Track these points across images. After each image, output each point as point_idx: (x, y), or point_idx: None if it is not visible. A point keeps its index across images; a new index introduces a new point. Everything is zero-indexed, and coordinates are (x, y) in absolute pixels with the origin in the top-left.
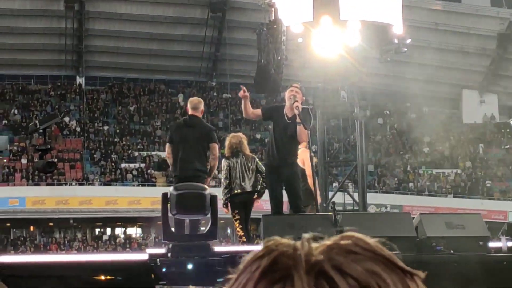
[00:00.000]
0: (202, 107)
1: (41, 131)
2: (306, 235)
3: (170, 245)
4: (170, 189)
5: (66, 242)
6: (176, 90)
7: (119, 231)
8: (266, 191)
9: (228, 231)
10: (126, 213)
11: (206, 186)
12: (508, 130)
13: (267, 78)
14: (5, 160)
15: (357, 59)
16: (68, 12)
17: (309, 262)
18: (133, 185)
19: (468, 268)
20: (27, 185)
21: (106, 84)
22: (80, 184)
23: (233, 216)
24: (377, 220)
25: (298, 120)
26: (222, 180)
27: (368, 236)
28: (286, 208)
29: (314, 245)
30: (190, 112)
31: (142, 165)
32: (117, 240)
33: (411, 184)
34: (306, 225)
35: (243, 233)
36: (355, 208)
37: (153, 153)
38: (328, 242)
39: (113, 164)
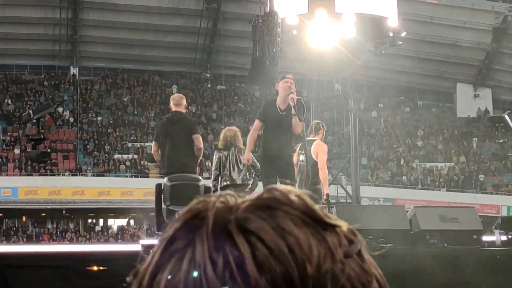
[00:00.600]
0: (184, 102)
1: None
2: (225, 192)
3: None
4: (164, 180)
5: (58, 232)
6: (170, 81)
7: (111, 222)
8: (260, 185)
9: None
10: (119, 204)
11: (199, 177)
12: (502, 124)
13: (262, 70)
14: None
15: (352, 52)
16: (63, 1)
17: (217, 222)
18: (126, 176)
19: (462, 262)
20: (20, 175)
21: (100, 75)
22: (73, 175)
23: None
24: (371, 213)
25: (293, 112)
26: (212, 171)
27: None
28: None
29: (231, 202)
30: (173, 108)
31: (135, 156)
32: (110, 231)
33: (404, 178)
34: None
35: None
36: (348, 201)
37: (146, 144)
38: (247, 199)
39: (106, 155)
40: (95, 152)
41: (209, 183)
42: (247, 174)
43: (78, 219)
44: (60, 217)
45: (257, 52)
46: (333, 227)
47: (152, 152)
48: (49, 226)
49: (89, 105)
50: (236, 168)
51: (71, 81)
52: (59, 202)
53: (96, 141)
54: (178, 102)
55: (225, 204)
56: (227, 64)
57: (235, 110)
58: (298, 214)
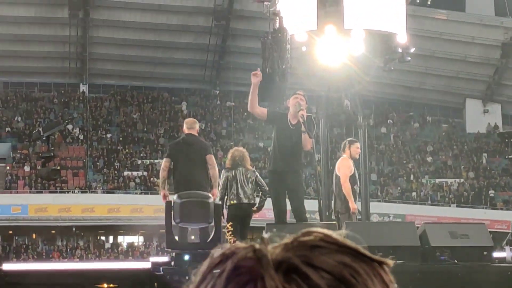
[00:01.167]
0: (197, 127)
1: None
2: (264, 235)
3: (174, 254)
4: (174, 197)
5: (68, 250)
6: (179, 98)
7: (121, 239)
8: (267, 202)
9: None
10: (129, 221)
11: (209, 195)
12: (511, 139)
13: (271, 86)
14: (8, 168)
15: (361, 68)
16: (73, 19)
17: (275, 260)
18: (136, 193)
19: (472, 278)
20: (30, 192)
21: (109, 92)
22: (82, 192)
23: (226, 228)
24: (381, 229)
25: (303, 128)
26: (218, 190)
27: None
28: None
29: (272, 244)
30: (186, 131)
31: (145, 173)
32: (119, 248)
33: (414, 193)
34: None
35: None
36: (358, 217)
37: (156, 161)
38: (287, 240)
39: (116, 172)
40: (104, 169)
41: (218, 200)
42: (254, 193)
43: (88, 236)
44: (70, 235)
45: (267, 69)
46: (382, 265)
47: (162, 167)
48: (59, 243)
49: (99, 122)
50: (244, 188)
51: (81, 98)
52: (69, 219)
53: (106, 158)
54: (191, 126)
55: (275, 246)
56: (236, 80)
57: (244, 126)
58: (350, 252)
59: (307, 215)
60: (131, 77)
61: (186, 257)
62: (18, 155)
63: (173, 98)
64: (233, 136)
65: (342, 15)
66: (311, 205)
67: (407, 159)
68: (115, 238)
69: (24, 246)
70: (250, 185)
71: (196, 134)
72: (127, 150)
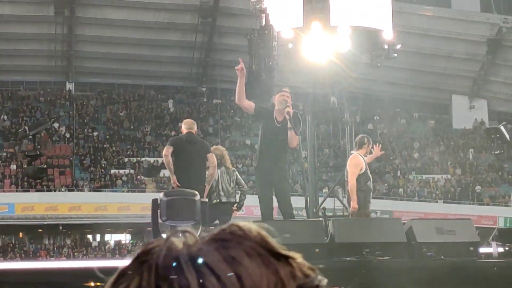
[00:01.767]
0: (195, 127)
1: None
2: (177, 229)
3: None
4: (160, 195)
5: (55, 248)
6: (166, 96)
7: (108, 237)
8: (254, 199)
9: None
10: (116, 219)
11: (196, 192)
12: (497, 135)
13: (258, 83)
14: None
15: (347, 65)
16: (58, 17)
17: (169, 255)
18: (123, 191)
19: (459, 274)
20: (16, 191)
21: (95, 90)
22: (69, 190)
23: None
24: (368, 225)
25: (289, 125)
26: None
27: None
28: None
29: (189, 239)
30: (186, 131)
31: (132, 171)
32: (107, 247)
33: (401, 190)
34: (296, 231)
35: None
36: (345, 213)
37: (142, 159)
38: (207, 234)
39: (102, 170)
40: (91, 168)
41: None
42: (234, 192)
43: (75, 234)
44: (57, 233)
45: (253, 66)
46: (286, 259)
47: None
48: (46, 242)
49: (85, 121)
50: (224, 187)
51: (67, 96)
52: (55, 218)
53: (93, 157)
54: (190, 126)
55: (183, 242)
56: (223, 78)
57: (231, 124)
58: (251, 245)
59: (294, 212)
60: (117, 75)
61: None
62: (4, 154)
63: (159, 96)
64: (220, 133)
65: (328, 11)
66: (298, 202)
67: (394, 155)
68: (102, 237)
69: (11, 245)
70: (231, 184)
71: (195, 134)
72: (113, 148)
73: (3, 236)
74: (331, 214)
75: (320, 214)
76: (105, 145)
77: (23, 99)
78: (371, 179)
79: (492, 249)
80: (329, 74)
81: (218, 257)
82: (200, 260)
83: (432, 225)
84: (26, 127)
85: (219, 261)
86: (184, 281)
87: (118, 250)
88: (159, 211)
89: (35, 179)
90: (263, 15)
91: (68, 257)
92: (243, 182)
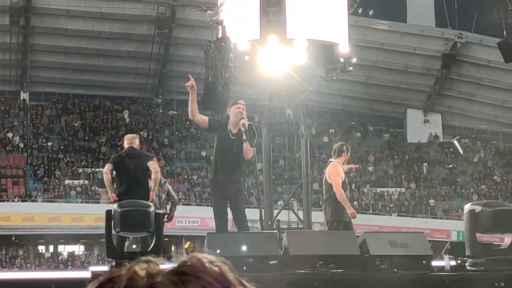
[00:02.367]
0: (137, 142)
1: None
2: (140, 259)
3: (114, 263)
4: (114, 206)
5: (7, 259)
6: (121, 106)
7: (62, 248)
8: (209, 211)
9: (173, 248)
10: (69, 230)
11: (150, 204)
12: (451, 149)
13: (214, 95)
14: None
15: (303, 78)
16: (13, 27)
17: (129, 286)
18: (77, 202)
19: (412, 287)
20: None
21: (50, 100)
22: (23, 201)
23: None
24: (322, 238)
25: (244, 137)
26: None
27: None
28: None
29: (147, 269)
30: (127, 146)
31: (86, 181)
32: (60, 258)
33: (355, 203)
34: (251, 243)
35: None
36: (299, 226)
37: (97, 169)
38: (164, 266)
39: (56, 181)
40: (45, 178)
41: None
42: (165, 203)
43: (27, 245)
44: (9, 244)
45: (209, 78)
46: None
47: (104, 171)
48: None
49: (40, 131)
50: (157, 198)
51: (21, 106)
52: (8, 228)
53: (47, 167)
54: (131, 141)
55: (146, 270)
56: (179, 89)
57: (186, 135)
58: (209, 281)
59: (249, 224)
60: (72, 85)
61: None
62: None
63: (115, 106)
64: (175, 144)
65: (284, 24)
66: (253, 214)
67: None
68: (55, 247)
69: None
70: (163, 195)
71: (137, 148)
72: (68, 159)
73: None
74: (285, 226)
75: (275, 226)
76: (59, 156)
77: None
78: (348, 188)
79: (445, 262)
80: (285, 86)
81: None
82: None
83: (386, 238)
84: None
85: None
86: None
87: (72, 261)
88: (113, 222)
89: None
90: (220, 27)
91: (20, 268)
92: (173, 193)
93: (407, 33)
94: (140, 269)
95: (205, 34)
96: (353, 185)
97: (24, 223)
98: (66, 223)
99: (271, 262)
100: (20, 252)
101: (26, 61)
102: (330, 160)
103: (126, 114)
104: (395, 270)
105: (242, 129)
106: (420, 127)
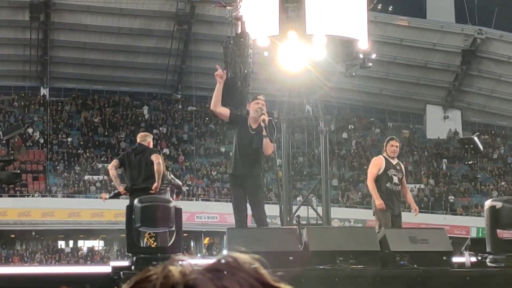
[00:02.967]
0: (148, 139)
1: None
2: (174, 259)
3: (134, 258)
4: (134, 202)
5: (28, 254)
6: (141, 102)
7: (81, 243)
8: (228, 207)
9: (192, 243)
10: (89, 225)
11: (170, 199)
12: (471, 146)
13: (233, 91)
14: None
15: (322, 73)
16: (33, 22)
17: (166, 283)
18: (96, 197)
19: (432, 283)
20: None
21: (70, 96)
22: (42, 196)
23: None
24: (341, 234)
25: (264, 133)
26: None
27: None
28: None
29: (182, 267)
30: (137, 143)
31: (106, 177)
32: (80, 253)
33: None
34: (271, 239)
35: None
36: (319, 222)
37: (108, 169)
38: (203, 263)
39: (76, 176)
40: (65, 173)
41: (179, 204)
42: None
43: (47, 240)
44: (30, 239)
45: (229, 73)
46: None
47: (109, 167)
48: (18, 247)
49: (59, 126)
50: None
51: (41, 102)
52: (28, 223)
53: (66, 162)
54: (142, 139)
55: (181, 268)
56: (198, 85)
57: (206, 131)
58: (244, 277)
59: (268, 220)
60: (92, 80)
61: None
62: None
63: (134, 102)
64: (194, 140)
65: (304, 20)
66: (272, 210)
67: (368, 164)
68: (75, 243)
69: None
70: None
71: (148, 146)
72: (87, 154)
73: None
74: (304, 222)
75: (295, 222)
76: (79, 151)
77: None
78: (394, 180)
79: (465, 258)
80: (304, 82)
81: (211, 287)
82: None
83: (406, 234)
84: (0, 132)
85: None
86: None
87: (91, 256)
88: (133, 217)
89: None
90: (239, 23)
91: (40, 263)
92: (177, 181)
93: (426, 29)
94: (175, 267)
95: (225, 30)
96: None
97: (44, 218)
98: (86, 219)
99: (290, 258)
100: (40, 247)
101: (46, 56)
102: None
103: (145, 110)
104: (415, 266)
105: (262, 124)
106: (440, 123)
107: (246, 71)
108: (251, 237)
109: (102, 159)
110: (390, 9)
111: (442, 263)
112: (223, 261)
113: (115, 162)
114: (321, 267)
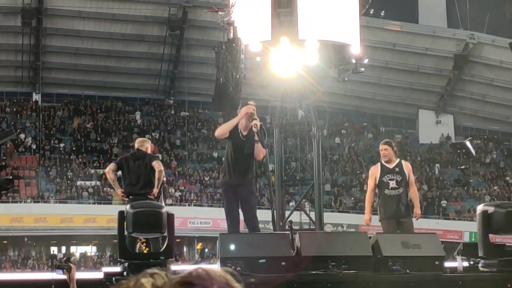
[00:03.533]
0: (147, 145)
1: None
2: (146, 272)
3: (126, 264)
4: (126, 207)
5: (20, 260)
6: (133, 107)
7: (74, 249)
8: (221, 212)
9: (185, 249)
10: (82, 231)
11: (162, 205)
12: (463, 150)
13: (225, 96)
14: None
15: (315, 78)
16: (25, 28)
17: None
18: (89, 203)
19: None
20: None
21: (62, 101)
22: (35, 202)
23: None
24: (334, 239)
25: (256, 138)
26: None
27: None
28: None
29: (154, 280)
30: (136, 148)
31: (98, 182)
32: (72, 259)
33: None
34: (263, 244)
35: None
36: (311, 227)
37: (105, 172)
38: (176, 276)
39: (68, 182)
40: (57, 179)
41: (171, 210)
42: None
43: (40, 246)
44: (22, 245)
45: (221, 79)
46: None
47: (106, 170)
48: (11, 253)
49: (52, 132)
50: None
51: (34, 107)
52: (21, 229)
53: (59, 168)
54: (140, 145)
55: (152, 282)
56: (190, 90)
57: (198, 136)
58: None
59: (261, 225)
60: (84, 86)
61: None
62: None
63: (127, 107)
64: (187, 146)
65: (296, 25)
66: (265, 215)
67: (361, 169)
68: (67, 249)
69: None
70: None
71: (145, 151)
72: (80, 160)
73: None
74: (297, 227)
75: (287, 227)
76: (71, 157)
77: None
78: (390, 186)
79: (457, 263)
80: (297, 87)
81: None
82: None
83: (398, 239)
84: None
85: None
86: None
87: (84, 262)
88: (125, 223)
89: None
90: (231, 28)
91: (33, 269)
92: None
93: (419, 33)
94: (147, 281)
95: (217, 35)
96: (365, 186)
97: (37, 224)
98: (78, 224)
99: (283, 263)
100: (33, 253)
101: (38, 62)
102: (402, 160)
103: (138, 115)
104: (408, 271)
105: (254, 129)
106: (432, 128)
107: (238, 76)
108: (243, 243)
109: (95, 164)
110: (382, 14)
111: (435, 268)
112: (194, 273)
113: (112, 165)
114: (314, 272)
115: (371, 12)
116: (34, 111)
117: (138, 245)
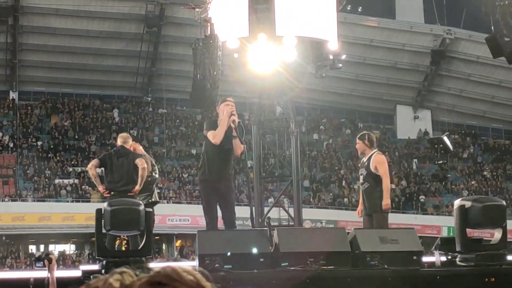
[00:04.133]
0: (130, 142)
1: None
2: (115, 271)
3: (104, 262)
4: (104, 205)
5: None
6: (111, 105)
7: (52, 247)
8: (199, 209)
9: (163, 246)
10: (60, 229)
11: (140, 202)
12: (441, 145)
13: (203, 93)
14: None
15: (293, 75)
16: (2, 26)
17: None
18: (67, 201)
19: (402, 283)
20: None
21: (40, 99)
22: (13, 200)
23: None
24: (312, 235)
25: (234, 134)
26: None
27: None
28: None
29: (122, 279)
30: (119, 144)
31: (76, 180)
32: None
33: (346, 199)
34: (241, 240)
35: None
36: (290, 223)
37: (87, 168)
38: (144, 275)
39: (46, 180)
40: (35, 177)
41: (150, 208)
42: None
43: (18, 245)
44: (0, 244)
45: (198, 76)
46: None
47: (88, 166)
48: None
49: (29, 130)
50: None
51: (11, 105)
52: None
53: (37, 166)
54: (124, 141)
55: (121, 282)
56: (168, 87)
57: (176, 133)
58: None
59: (240, 222)
60: (62, 84)
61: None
62: None
63: (104, 105)
64: (165, 143)
65: (273, 22)
66: (243, 211)
67: (339, 165)
68: (46, 247)
69: None
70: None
71: (128, 148)
72: (58, 158)
73: None
74: (276, 224)
75: (265, 223)
76: (49, 155)
77: None
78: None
79: (435, 258)
80: (274, 84)
81: None
82: None
83: (376, 234)
84: None
85: None
86: None
87: (62, 260)
88: (103, 221)
89: None
90: (208, 24)
91: (11, 268)
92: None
93: (396, 29)
94: (115, 280)
95: (194, 32)
96: (343, 182)
97: (15, 222)
98: (57, 223)
99: (261, 260)
100: (11, 252)
101: (15, 60)
102: (374, 151)
103: (115, 112)
104: (386, 266)
105: (233, 126)
106: (410, 124)
107: (215, 73)
108: (221, 239)
109: (73, 162)
110: (359, 10)
111: (412, 262)
112: (163, 272)
113: (95, 161)
114: (292, 268)
115: (348, 8)
116: (11, 109)
117: (117, 243)
